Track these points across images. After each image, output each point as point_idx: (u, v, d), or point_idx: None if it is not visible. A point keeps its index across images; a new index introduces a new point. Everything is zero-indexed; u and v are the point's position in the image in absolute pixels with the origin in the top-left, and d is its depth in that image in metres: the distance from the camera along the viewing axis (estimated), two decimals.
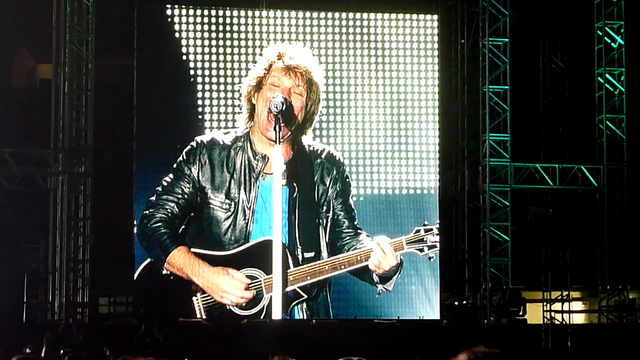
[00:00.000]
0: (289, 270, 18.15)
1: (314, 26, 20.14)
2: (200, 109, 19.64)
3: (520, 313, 19.88)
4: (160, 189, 18.30)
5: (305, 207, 18.42)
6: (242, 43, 19.98)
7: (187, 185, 18.32)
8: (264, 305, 18.32)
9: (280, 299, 17.78)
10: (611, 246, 22.17)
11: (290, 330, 18.42)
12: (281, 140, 17.50)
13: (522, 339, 19.64)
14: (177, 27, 19.81)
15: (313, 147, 18.73)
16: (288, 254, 18.23)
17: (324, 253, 18.47)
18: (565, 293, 22.81)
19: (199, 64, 19.81)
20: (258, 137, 18.21)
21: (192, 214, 18.42)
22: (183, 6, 19.88)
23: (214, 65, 19.82)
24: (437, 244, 18.12)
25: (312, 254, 18.43)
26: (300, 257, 18.39)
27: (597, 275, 22.29)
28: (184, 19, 19.82)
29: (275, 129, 17.49)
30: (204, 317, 18.48)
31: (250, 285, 18.24)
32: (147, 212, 18.33)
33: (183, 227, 18.38)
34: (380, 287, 18.29)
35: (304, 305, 18.56)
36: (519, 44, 22.51)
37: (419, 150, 20.29)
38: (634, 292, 22.75)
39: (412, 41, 20.51)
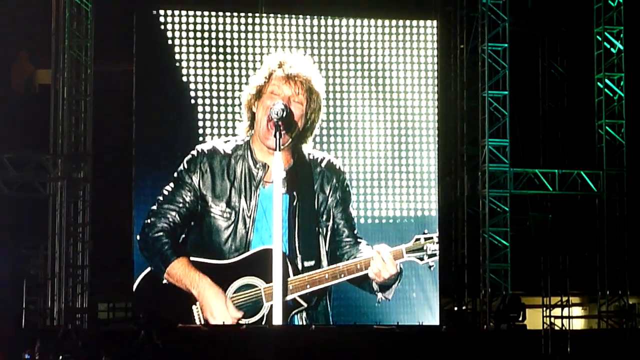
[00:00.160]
0: (289, 279, 18.21)
1: (314, 33, 20.14)
2: (200, 115, 19.64)
3: (520, 318, 19.91)
4: (161, 198, 18.45)
5: (305, 216, 18.47)
6: (242, 50, 19.99)
7: (188, 194, 18.44)
8: (263, 314, 18.38)
9: (280, 306, 17.83)
10: (611, 252, 22.17)
11: (289, 335, 18.45)
12: (281, 147, 17.55)
13: (522, 345, 19.66)
14: (176, 33, 19.83)
15: (313, 156, 18.79)
16: (288, 262, 18.29)
17: (324, 262, 18.52)
18: (565, 298, 22.81)
19: (199, 70, 19.82)
20: (258, 146, 18.30)
21: (193, 223, 18.51)
22: (182, 13, 19.88)
23: (214, 72, 19.83)
24: (437, 252, 18.14)
25: (312, 263, 18.48)
26: (300, 265, 18.44)
27: (596, 280, 22.29)
28: (183, 26, 19.83)
29: (275, 135, 17.60)
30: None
31: (248, 298, 18.35)
32: (148, 221, 18.44)
33: (184, 235, 18.47)
34: (379, 295, 18.36)
35: (304, 313, 18.61)
36: (519, 49, 22.49)
37: (419, 157, 20.31)
38: (634, 298, 22.77)
39: (411, 47, 20.54)
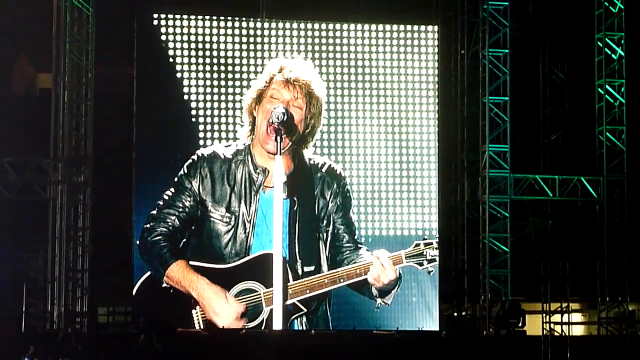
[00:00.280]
0: (289, 284, 18.23)
1: (315, 37, 20.16)
2: (201, 119, 19.65)
3: (520, 324, 19.86)
4: (161, 202, 18.50)
5: (305, 221, 18.50)
6: (244, 54, 20.01)
7: (188, 199, 18.51)
8: (263, 319, 18.39)
9: (280, 311, 17.86)
10: (611, 258, 22.16)
11: (289, 340, 18.45)
12: (281, 151, 17.59)
13: (522, 351, 19.63)
14: (177, 37, 19.85)
15: (314, 161, 18.83)
16: (288, 267, 18.32)
17: (324, 267, 18.55)
18: (564, 304, 22.82)
19: (200, 74, 19.83)
20: (259, 151, 18.35)
21: (193, 228, 18.57)
22: (184, 17, 19.89)
23: (214, 76, 19.84)
24: (437, 258, 18.15)
25: (312, 268, 18.51)
26: (300, 270, 18.46)
27: (596, 286, 22.26)
28: (184, 30, 19.85)
29: (276, 139, 17.65)
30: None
31: (248, 303, 18.36)
32: (148, 225, 18.49)
33: (184, 240, 18.51)
34: (379, 301, 18.38)
35: (304, 318, 18.62)
36: (519, 55, 22.49)
37: (419, 162, 20.30)
38: (634, 304, 22.76)
39: (412, 52, 20.54)
